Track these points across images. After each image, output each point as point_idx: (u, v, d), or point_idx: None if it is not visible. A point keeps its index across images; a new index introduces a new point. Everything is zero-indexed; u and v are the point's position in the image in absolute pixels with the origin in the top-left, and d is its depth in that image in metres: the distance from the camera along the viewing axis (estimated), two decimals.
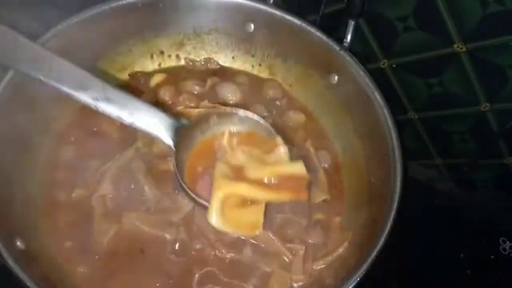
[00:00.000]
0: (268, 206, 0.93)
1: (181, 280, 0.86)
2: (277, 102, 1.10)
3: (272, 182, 0.79)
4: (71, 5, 0.92)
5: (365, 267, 0.79)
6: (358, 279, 0.78)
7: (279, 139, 0.84)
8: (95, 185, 0.91)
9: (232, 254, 0.89)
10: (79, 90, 0.76)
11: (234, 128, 0.86)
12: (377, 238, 0.81)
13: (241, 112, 0.86)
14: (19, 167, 0.89)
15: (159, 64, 1.12)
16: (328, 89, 1.05)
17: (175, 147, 0.81)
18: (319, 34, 0.99)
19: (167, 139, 0.81)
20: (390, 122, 0.91)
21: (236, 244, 0.90)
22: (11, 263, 0.73)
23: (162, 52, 1.11)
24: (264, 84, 1.11)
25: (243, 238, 0.90)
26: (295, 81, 1.11)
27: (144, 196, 0.91)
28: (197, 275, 0.87)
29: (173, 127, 0.81)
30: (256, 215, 0.79)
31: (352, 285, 0.78)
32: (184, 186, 0.81)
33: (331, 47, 0.98)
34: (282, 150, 0.83)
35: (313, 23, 1.00)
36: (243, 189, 0.78)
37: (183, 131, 0.82)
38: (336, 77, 1.02)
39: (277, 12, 1.00)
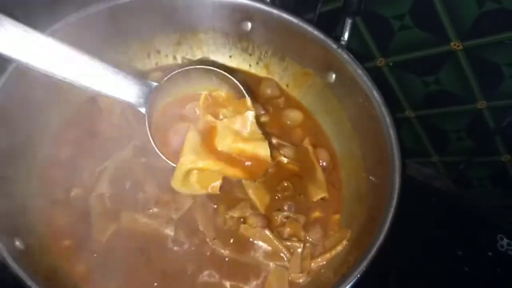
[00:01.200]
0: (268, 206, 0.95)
1: (180, 279, 0.86)
2: (275, 101, 1.10)
3: (236, 157, 0.80)
4: (69, 4, 0.92)
5: (364, 264, 0.79)
6: (358, 275, 0.78)
7: (248, 101, 0.82)
8: (94, 184, 0.91)
9: (231, 252, 0.89)
10: (25, 52, 0.66)
11: (206, 87, 0.84)
12: (376, 236, 0.81)
13: (207, 68, 0.82)
14: (17, 166, 0.88)
15: (156, 63, 1.12)
16: (326, 88, 1.05)
17: (147, 112, 0.78)
18: (316, 32, 0.99)
19: (139, 104, 0.77)
20: (388, 120, 0.91)
21: (235, 242, 0.91)
22: (10, 262, 0.73)
23: (159, 52, 1.11)
24: (261, 83, 1.11)
25: (242, 238, 0.91)
26: (292, 79, 1.11)
27: (143, 194, 0.91)
28: (195, 273, 0.87)
29: (144, 90, 0.77)
30: (216, 178, 0.81)
31: (352, 283, 0.78)
32: (160, 154, 0.80)
33: (329, 46, 0.98)
34: (250, 116, 0.81)
35: (310, 22, 1.00)
36: (208, 165, 0.79)
37: (155, 94, 0.78)
38: (333, 76, 1.02)
39: (274, 11, 1.00)
